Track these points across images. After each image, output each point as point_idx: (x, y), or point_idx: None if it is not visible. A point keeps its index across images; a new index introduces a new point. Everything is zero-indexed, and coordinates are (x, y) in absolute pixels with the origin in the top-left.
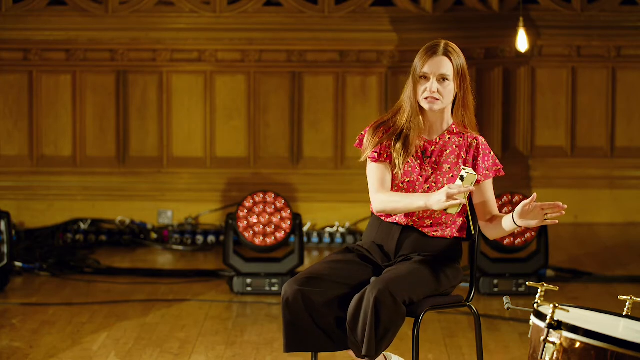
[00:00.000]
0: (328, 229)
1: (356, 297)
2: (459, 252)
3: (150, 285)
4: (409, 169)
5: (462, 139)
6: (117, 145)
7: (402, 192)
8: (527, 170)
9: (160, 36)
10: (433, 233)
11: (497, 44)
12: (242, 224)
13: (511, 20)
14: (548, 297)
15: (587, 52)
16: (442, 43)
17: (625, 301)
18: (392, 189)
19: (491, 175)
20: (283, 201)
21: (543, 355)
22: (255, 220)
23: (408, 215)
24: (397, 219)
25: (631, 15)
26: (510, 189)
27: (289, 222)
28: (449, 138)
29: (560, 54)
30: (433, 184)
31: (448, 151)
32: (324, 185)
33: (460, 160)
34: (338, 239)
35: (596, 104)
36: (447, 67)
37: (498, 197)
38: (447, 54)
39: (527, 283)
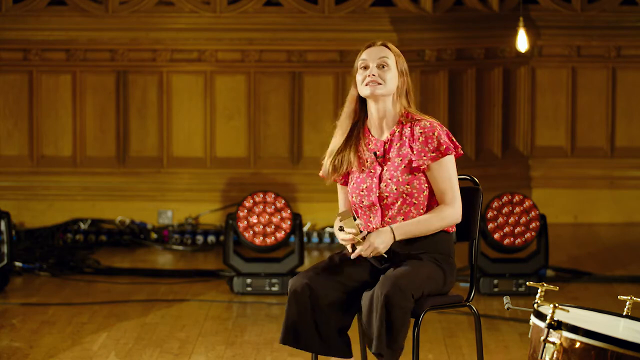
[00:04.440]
0: (328, 229)
1: (367, 295)
2: (447, 246)
3: (150, 285)
4: (363, 176)
5: (409, 128)
6: (117, 145)
7: (361, 199)
8: (527, 170)
9: (160, 36)
10: None
11: (497, 44)
12: (242, 224)
13: (511, 20)
14: (548, 297)
15: (587, 52)
16: (381, 40)
17: (625, 301)
18: (352, 199)
19: (432, 158)
20: (283, 201)
21: (543, 355)
22: (255, 220)
23: (383, 219)
24: (375, 224)
25: (631, 15)
26: (510, 189)
27: (289, 222)
28: (399, 132)
29: (560, 54)
30: (389, 180)
31: (398, 145)
32: (324, 185)
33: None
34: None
35: (596, 104)
36: (386, 53)
37: (498, 197)
38: (384, 44)
39: (527, 283)
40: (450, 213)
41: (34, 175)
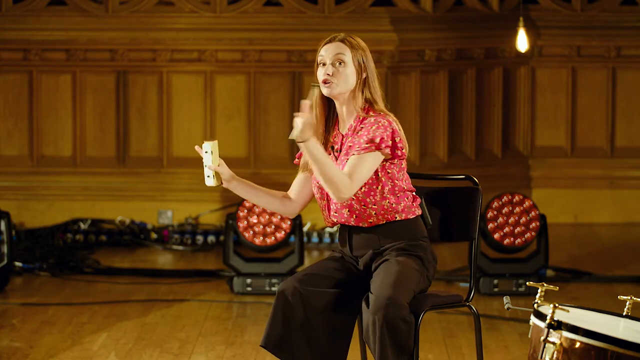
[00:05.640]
0: (328, 229)
1: (365, 314)
2: (413, 231)
3: (150, 285)
4: None
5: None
6: (117, 145)
7: (315, 193)
8: (527, 170)
9: (160, 36)
10: (376, 223)
11: (497, 44)
12: (242, 224)
13: (511, 20)
14: (548, 297)
15: (587, 52)
16: (342, 33)
17: (625, 301)
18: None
19: (364, 149)
20: None
21: (543, 355)
22: (255, 220)
23: (351, 214)
24: (342, 219)
25: (631, 15)
26: (510, 189)
27: (289, 222)
28: (355, 127)
29: (560, 54)
30: None
31: (350, 139)
32: None
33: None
34: (338, 239)
35: (596, 104)
36: (342, 49)
37: (498, 197)
38: (343, 40)
39: (527, 283)
40: (346, 183)
41: (34, 175)
